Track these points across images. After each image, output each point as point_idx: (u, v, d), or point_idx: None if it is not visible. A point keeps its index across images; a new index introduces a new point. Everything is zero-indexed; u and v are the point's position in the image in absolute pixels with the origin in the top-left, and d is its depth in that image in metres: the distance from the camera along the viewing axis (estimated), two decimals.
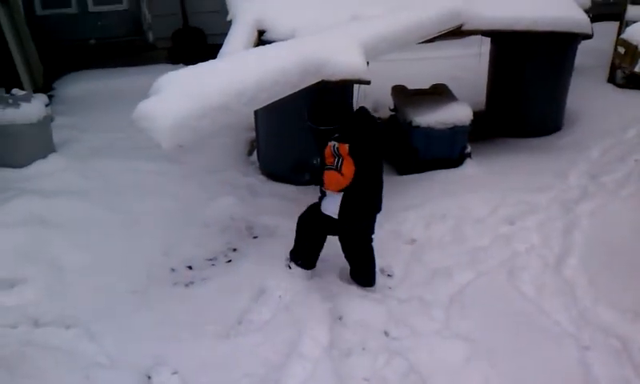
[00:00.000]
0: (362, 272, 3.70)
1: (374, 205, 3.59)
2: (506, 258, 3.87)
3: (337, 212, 3.46)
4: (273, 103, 3.48)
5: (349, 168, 3.31)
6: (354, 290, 3.66)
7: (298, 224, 3.73)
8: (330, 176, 3.35)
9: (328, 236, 3.70)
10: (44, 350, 3.29)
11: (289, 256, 3.80)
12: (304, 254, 3.77)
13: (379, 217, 4.24)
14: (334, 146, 3.32)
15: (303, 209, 3.72)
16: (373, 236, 3.68)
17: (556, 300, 3.53)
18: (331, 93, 3.39)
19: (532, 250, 3.93)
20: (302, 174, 3.68)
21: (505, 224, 4.18)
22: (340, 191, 3.41)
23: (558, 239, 4.02)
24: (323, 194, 3.54)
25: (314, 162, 3.49)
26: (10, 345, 3.32)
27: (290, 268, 3.77)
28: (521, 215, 4.25)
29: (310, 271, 3.78)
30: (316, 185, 3.55)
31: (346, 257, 3.70)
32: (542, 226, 4.14)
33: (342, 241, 3.66)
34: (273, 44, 3.81)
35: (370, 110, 5.74)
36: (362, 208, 3.53)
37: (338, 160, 3.32)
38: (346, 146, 3.30)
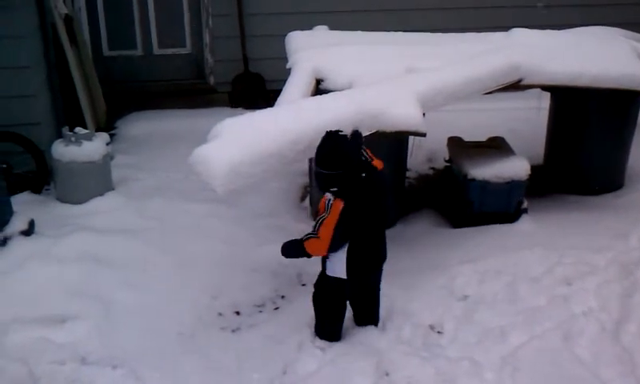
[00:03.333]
0: (370, 316, 3.70)
1: (379, 255, 3.54)
2: (562, 320, 3.73)
3: (344, 271, 3.39)
4: None
5: (327, 230, 3.23)
6: (402, 347, 3.57)
7: (313, 300, 3.63)
8: (309, 245, 3.31)
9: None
10: None
11: (313, 332, 3.67)
12: (327, 329, 3.65)
13: (429, 271, 4.19)
14: (329, 200, 3.25)
15: None
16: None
17: (613, 368, 3.36)
18: (342, 139, 3.27)
19: (590, 314, 3.77)
20: None
21: (562, 284, 4.04)
22: (337, 251, 3.35)
23: (616, 303, 3.85)
24: (325, 257, 3.46)
25: None
26: (57, 382, 3.36)
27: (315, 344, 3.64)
28: (578, 276, 4.10)
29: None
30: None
31: (351, 304, 3.65)
32: (600, 289, 3.98)
33: (350, 295, 3.60)
34: (330, 93, 3.83)
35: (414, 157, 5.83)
36: (369, 260, 3.49)
37: (319, 220, 3.25)
38: (341, 204, 3.21)
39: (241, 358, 3.55)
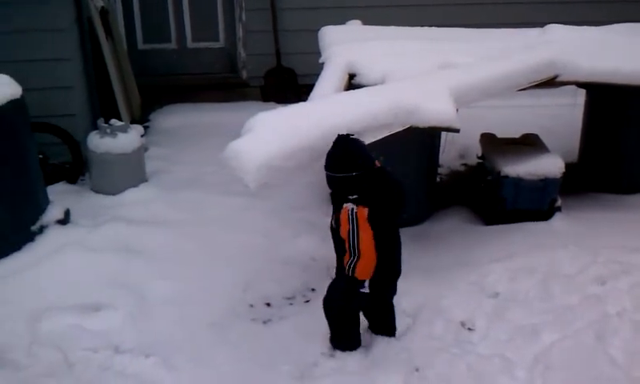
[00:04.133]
0: (386, 325, 3.57)
1: (397, 268, 3.36)
2: (594, 319, 3.68)
3: (367, 285, 3.24)
4: None
5: (367, 242, 3.08)
6: (433, 342, 3.57)
7: (326, 310, 3.46)
8: (360, 271, 3.13)
9: None
10: (122, 378, 3.37)
11: (330, 344, 3.55)
12: (345, 339, 3.52)
13: (461, 268, 4.17)
14: (352, 210, 3.07)
15: None
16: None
17: None
18: (356, 141, 3.15)
19: (623, 314, 3.72)
20: None
21: (595, 284, 3.99)
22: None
23: None
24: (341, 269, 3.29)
25: None
26: (90, 369, 3.43)
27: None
28: (613, 276, 4.04)
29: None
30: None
31: (365, 315, 3.54)
32: (634, 289, 3.92)
33: (366, 308, 3.49)
34: (363, 88, 3.83)
35: (458, 156, 5.80)
36: (390, 274, 3.33)
37: (353, 238, 3.08)
38: (365, 211, 3.05)
39: (271, 349, 3.57)
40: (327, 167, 3.10)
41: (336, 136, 3.12)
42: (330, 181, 3.12)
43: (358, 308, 3.46)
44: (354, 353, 3.50)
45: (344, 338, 3.51)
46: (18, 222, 4.32)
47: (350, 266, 3.15)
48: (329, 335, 3.53)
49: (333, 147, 3.10)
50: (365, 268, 3.15)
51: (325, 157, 3.11)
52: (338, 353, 3.51)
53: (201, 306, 3.89)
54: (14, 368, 3.37)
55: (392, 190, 3.20)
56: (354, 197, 3.08)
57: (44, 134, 5.14)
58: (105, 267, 4.15)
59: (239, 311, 3.89)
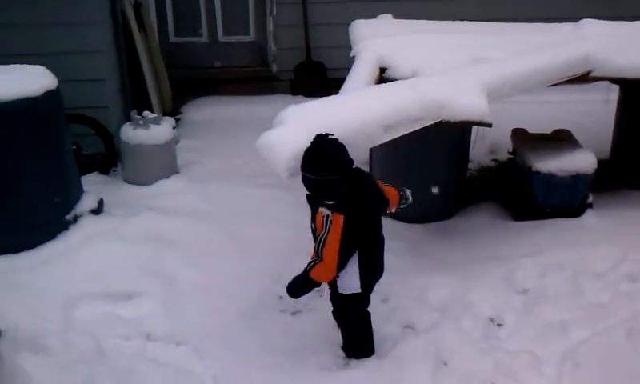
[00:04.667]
0: (355, 343, 3.47)
1: (381, 268, 3.29)
2: (625, 317, 3.65)
3: (359, 285, 3.18)
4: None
5: (331, 250, 2.96)
6: (460, 337, 3.57)
7: (337, 319, 3.44)
8: (316, 273, 3.06)
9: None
10: (154, 365, 3.43)
11: (344, 354, 3.48)
12: (361, 345, 3.46)
13: (490, 263, 4.16)
14: (327, 216, 2.95)
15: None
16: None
17: None
18: (335, 142, 3.01)
19: None
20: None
21: (626, 281, 3.95)
22: (345, 266, 3.09)
23: None
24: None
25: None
26: (123, 356, 3.49)
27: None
28: None
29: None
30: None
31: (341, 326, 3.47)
32: None
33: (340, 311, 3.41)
34: (395, 82, 3.84)
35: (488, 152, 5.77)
36: (376, 271, 3.27)
37: (321, 240, 2.98)
38: (341, 219, 2.93)
39: (300, 340, 3.61)
40: (305, 168, 2.97)
41: (314, 136, 3.00)
42: (308, 183, 3.00)
43: (364, 309, 3.39)
44: (381, 345, 3.51)
45: (354, 347, 3.46)
46: (53, 211, 4.41)
47: (310, 264, 3.07)
48: (348, 354, 3.48)
49: (312, 148, 2.97)
50: (321, 273, 3.07)
51: (307, 155, 2.98)
52: None
53: (231, 296, 3.93)
54: (48, 354, 3.44)
55: (370, 194, 3.10)
56: (331, 202, 2.97)
57: (77, 124, 5.23)
58: (137, 256, 4.21)
59: (268, 302, 3.93)
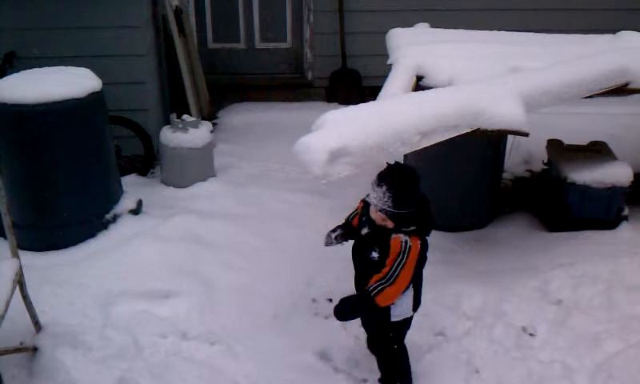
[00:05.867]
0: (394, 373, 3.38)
1: (419, 298, 3.22)
2: None
3: (411, 307, 3.13)
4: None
5: (406, 276, 2.91)
6: (493, 346, 3.58)
7: (379, 348, 3.37)
8: (384, 297, 2.92)
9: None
10: (189, 363, 3.50)
11: None
12: (404, 373, 3.37)
13: (523, 273, 4.16)
14: (406, 242, 2.90)
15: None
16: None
17: None
18: (413, 172, 2.98)
19: None
20: None
21: None
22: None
23: None
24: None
25: None
26: (159, 353, 3.57)
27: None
28: None
29: None
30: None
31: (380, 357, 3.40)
32: None
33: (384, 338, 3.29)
34: (431, 90, 3.87)
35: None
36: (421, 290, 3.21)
37: (398, 265, 2.89)
38: (419, 243, 2.93)
39: (331, 344, 3.65)
40: (394, 203, 2.88)
41: (389, 166, 2.97)
42: (392, 217, 2.92)
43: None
44: (413, 353, 3.52)
45: (401, 372, 3.37)
46: (94, 210, 4.52)
47: (376, 288, 2.93)
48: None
49: (394, 180, 2.90)
50: (390, 297, 2.96)
51: (383, 180, 2.91)
52: None
53: (265, 298, 4.00)
54: (87, 349, 3.53)
55: (432, 216, 3.05)
56: (412, 228, 2.94)
57: (118, 126, 5.34)
58: (174, 256, 4.29)
59: (302, 305, 3.99)
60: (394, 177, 2.92)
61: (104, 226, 4.55)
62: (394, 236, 2.93)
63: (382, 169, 2.98)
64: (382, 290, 2.91)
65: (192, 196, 5.15)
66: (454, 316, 3.83)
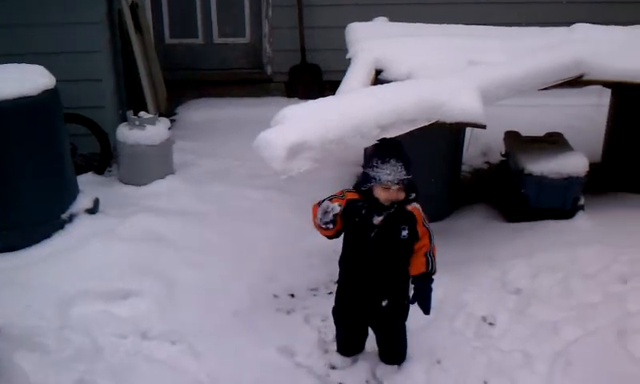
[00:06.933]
0: (398, 350, 3.45)
1: None
2: (616, 317, 3.69)
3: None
4: None
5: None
6: (454, 336, 3.62)
7: (399, 330, 3.40)
8: (435, 260, 3.11)
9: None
10: (150, 363, 3.45)
11: (397, 366, 3.42)
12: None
13: (483, 263, 4.20)
14: (420, 206, 3.08)
15: None
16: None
17: None
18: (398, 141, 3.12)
19: None
20: None
21: (617, 282, 4.00)
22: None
23: None
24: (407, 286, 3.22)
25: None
26: (119, 354, 3.50)
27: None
28: (634, 275, 4.05)
29: None
30: None
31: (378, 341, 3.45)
32: None
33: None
34: (391, 83, 3.88)
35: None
36: None
37: (429, 226, 3.08)
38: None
39: (295, 339, 3.63)
40: (405, 172, 2.96)
41: (382, 143, 3.08)
42: (408, 184, 3.01)
43: None
44: (375, 346, 3.54)
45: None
46: (49, 210, 4.42)
47: (430, 259, 3.09)
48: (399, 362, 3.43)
49: (396, 151, 2.99)
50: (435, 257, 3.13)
51: (387, 155, 2.98)
52: None
53: (226, 295, 3.96)
54: (44, 352, 3.45)
55: None
56: (413, 196, 3.07)
57: (74, 124, 5.23)
58: (132, 255, 4.23)
59: (264, 301, 3.96)
60: (393, 149, 3.01)
61: (60, 226, 4.46)
62: (409, 207, 3.05)
63: (375, 150, 3.05)
64: (434, 256, 3.07)
65: (151, 194, 5.08)
66: (415, 307, 3.81)
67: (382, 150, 3.01)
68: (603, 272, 4.08)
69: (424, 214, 3.09)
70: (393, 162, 2.94)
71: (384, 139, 3.09)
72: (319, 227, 3.12)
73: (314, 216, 3.13)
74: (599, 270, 4.10)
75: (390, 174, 2.94)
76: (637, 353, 3.43)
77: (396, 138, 3.13)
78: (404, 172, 2.96)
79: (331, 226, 3.06)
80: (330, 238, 3.23)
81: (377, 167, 2.96)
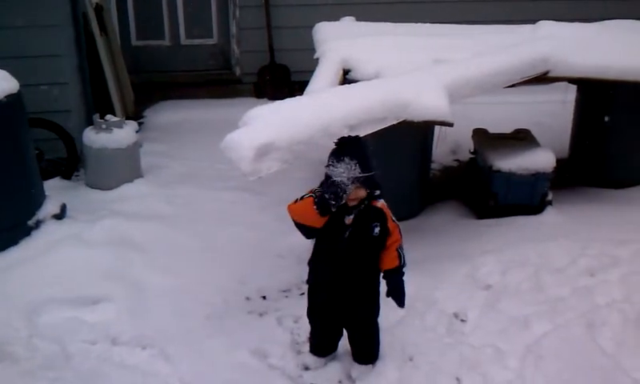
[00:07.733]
0: (370, 349, 3.46)
1: None
2: (585, 310, 3.74)
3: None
4: None
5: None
6: (426, 333, 3.63)
7: (373, 329, 3.44)
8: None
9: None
10: (120, 369, 3.41)
11: (372, 364, 3.42)
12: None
13: (453, 260, 4.23)
14: (384, 203, 3.12)
15: None
16: None
17: (636, 358, 3.38)
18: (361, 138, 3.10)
19: (613, 304, 3.78)
20: None
21: (585, 275, 4.05)
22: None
23: None
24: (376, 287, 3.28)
25: None
26: (89, 361, 3.46)
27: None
28: (602, 267, 4.11)
29: None
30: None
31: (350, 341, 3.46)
32: (623, 280, 3.98)
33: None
34: (358, 83, 3.88)
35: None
36: None
37: (395, 220, 3.13)
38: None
39: (267, 341, 3.61)
40: (359, 170, 2.91)
41: (339, 141, 2.99)
42: (363, 181, 2.96)
43: None
44: (346, 343, 3.54)
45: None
46: (14, 217, 4.35)
47: (402, 253, 3.17)
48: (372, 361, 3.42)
49: (351, 149, 2.95)
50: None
51: (341, 154, 2.93)
52: None
53: (197, 299, 3.93)
54: (13, 361, 3.40)
55: None
56: (378, 193, 3.08)
57: (39, 129, 5.15)
58: (101, 261, 4.18)
59: (235, 304, 3.94)
60: (348, 147, 2.96)
61: (26, 232, 4.39)
62: (377, 204, 3.07)
63: (333, 149, 2.99)
64: (403, 250, 3.15)
65: (119, 198, 5.03)
66: (387, 305, 3.83)
67: (338, 149, 2.98)
68: (571, 266, 4.13)
69: (389, 210, 3.12)
70: (347, 160, 2.90)
71: (342, 138, 3.03)
72: (314, 214, 3.04)
73: (294, 215, 3.11)
74: (568, 264, 4.15)
75: (342, 173, 2.91)
76: (605, 344, 3.48)
77: (360, 136, 3.09)
78: (358, 170, 2.90)
79: (341, 201, 2.96)
80: (308, 236, 3.22)
81: (332, 166, 2.93)
